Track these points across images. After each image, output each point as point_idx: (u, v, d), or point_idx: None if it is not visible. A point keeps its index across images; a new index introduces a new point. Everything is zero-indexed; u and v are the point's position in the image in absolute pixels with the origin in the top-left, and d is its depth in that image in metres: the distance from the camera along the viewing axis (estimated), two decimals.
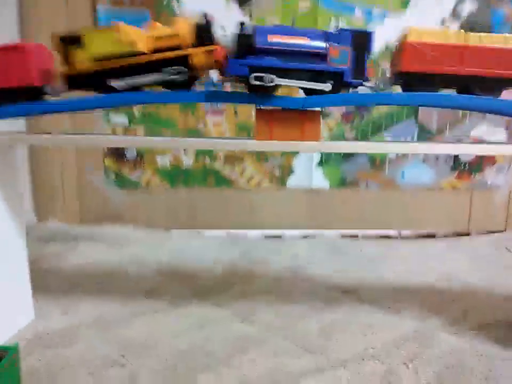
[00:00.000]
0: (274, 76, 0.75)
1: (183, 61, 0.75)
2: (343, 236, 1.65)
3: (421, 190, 1.69)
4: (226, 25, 1.49)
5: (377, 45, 1.55)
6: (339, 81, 0.77)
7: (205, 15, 0.77)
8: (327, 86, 0.76)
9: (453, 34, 0.80)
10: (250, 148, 0.82)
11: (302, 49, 0.75)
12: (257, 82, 0.74)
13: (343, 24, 1.53)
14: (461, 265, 1.36)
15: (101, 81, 0.75)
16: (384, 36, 1.54)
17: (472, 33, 0.80)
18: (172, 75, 0.75)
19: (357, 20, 1.54)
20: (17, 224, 0.90)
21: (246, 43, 0.74)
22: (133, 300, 1.07)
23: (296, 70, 0.75)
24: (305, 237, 1.63)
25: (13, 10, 1.45)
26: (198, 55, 0.75)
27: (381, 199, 1.68)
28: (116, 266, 1.30)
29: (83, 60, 0.74)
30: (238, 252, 1.45)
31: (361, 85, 0.80)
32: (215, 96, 0.81)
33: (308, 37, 0.76)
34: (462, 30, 0.80)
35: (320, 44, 0.75)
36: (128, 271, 1.26)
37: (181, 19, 0.77)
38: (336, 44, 0.76)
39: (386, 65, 1.57)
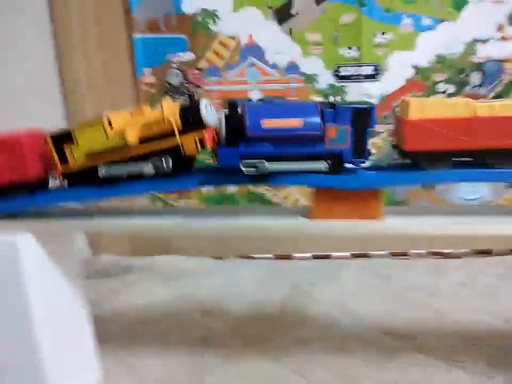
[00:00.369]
0: (267, 163, 0.70)
1: (174, 149, 0.73)
2: (393, 255, 1.61)
3: (474, 207, 1.60)
4: (266, 44, 1.47)
5: (428, 56, 1.45)
6: (338, 161, 0.72)
7: (190, 96, 0.75)
8: (322, 166, 0.72)
9: (460, 104, 0.70)
10: (308, 232, 0.78)
11: (297, 133, 0.70)
12: (250, 171, 0.71)
13: (389, 37, 1.43)
14: None
15: (95, 175, 0.76)
16: (435, 45, 1.44)
17: (482, 103, 0.70)
18: (160, 165, 0.74)
19: (405, 30, 1.43)
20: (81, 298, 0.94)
21: (236, 130, 0.70)
22: (194, 352, 1.09)
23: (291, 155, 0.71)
24: (355, 255, 1.60)
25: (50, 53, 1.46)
26: (187, 143, 0.72)
27: None
28: (171, 305, 1.31)
29: (77, 157, 0.75)
30: (287, 282, 1.43)
31: (364, 163, 0.74)
32: (209, 182, 0.77)
33: (303, 118, 0.70)
34: (469, 99, 0.71)
35: (316, 126, 0.70)
36: (184, 312, 1.28)
37: (168, 102, 0.74)
38: (334, 124, 0.70)
39: (437, 77, 1.47)
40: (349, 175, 0.74)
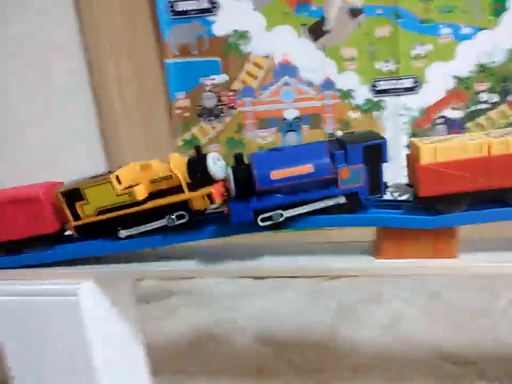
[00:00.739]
0: (282, 212, 0.68)
1: (182, 205, 0.72)
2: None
3: None
4: (300, 62, 1.45)
5: (468, 65, 1.40)
6: (355, 199, 0.69)
7: (197, 148, 0.73)
8: (340, 199, 0.69)
9: (473, 145, 0.65)
10: (378, 273, 0.75)
11: (308, 179, 0.67)
12: (267, 223, 0.69)
13: (427, 48, 1.39)
14: None
15: (107, 229, 0.77)
16: (476, 54, 1.39)
17: (496, 139, 0.65)
18: (175, 221, 0.73)
19: (443, 40, 1.39)
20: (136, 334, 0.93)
21: (246, 184, 0.68)
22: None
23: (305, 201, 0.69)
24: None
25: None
26: (196, 199, 0.71)
27: None
28: (217, 331, 1.29)
29: (88, 212, 0.76)
30: (333, 303, 1.39)
31: (381, 197, 0.71)
32: (221, 233, 0.75)
33: (312, 162, 0.67)
34: (484, 136, 0.67)
35: (327, 169, 0.67)
36: (231, 339, 1.25)
37: (175, 156, 0.74)
38: (345, 164, 0.67)
39: (478, 87, 1.42)
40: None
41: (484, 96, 1.42)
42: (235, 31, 1.42)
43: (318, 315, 1.35)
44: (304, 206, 0.69)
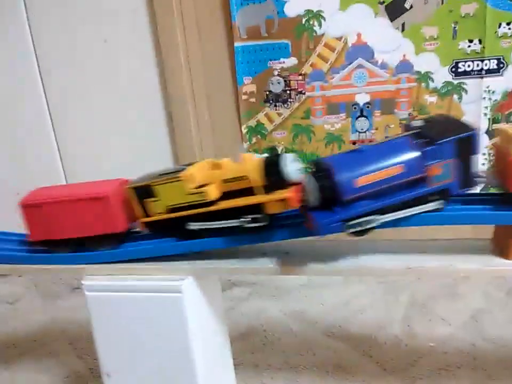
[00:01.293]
0: (373, 217, 0.63)
1: (256, 208, 0.69)
2: None
3: None
4: (375, 43, 1.36)
5: None
6: (447, 194, 0.64)
7: (273, 149, 0.69)
8: (436, 205, 0.64)
9: None
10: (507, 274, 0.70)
11: (399, 181, 0.62)
12: (357, 229, 0.64)
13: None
14: None
15: (177, 227, 0.76)
16: None
17: None
18: (250, 223, 0.70)
19: None
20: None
21: (328, 194, 0.63)
22: (327, 378, 1.04)
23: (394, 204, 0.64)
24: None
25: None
26: (271, 203, 0.68)
27: None
28: (288, 329, 1.25)
29: (158, 210, 0.76)
30: (405, 297, 1.34)
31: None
32: (301, 233, 0.71)
33: (402, 163, 0.61)
34: None
35: (417, 168, 0.62)
36: (304, 332, 1.22)
37: (248, 156, 0.71)
38: (436, 160, 0.61)
39: None
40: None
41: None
42: (307, 11, 1.34)
43: (390, 310, 1.29)
44: (402, 211, 0.64)
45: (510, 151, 0.62)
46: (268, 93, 1.44)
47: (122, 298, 0.77)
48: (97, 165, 1.59)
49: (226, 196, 0.72)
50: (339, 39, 1.36)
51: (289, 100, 1.43)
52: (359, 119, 1.43)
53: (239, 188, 0.70)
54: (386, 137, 1.24)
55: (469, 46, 1.31)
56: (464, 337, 1.15)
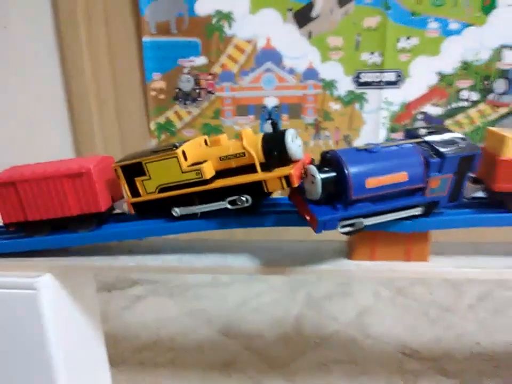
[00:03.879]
0: (366, 219, 0.64)
1: (255, 185, 0.65)
2: None
3: None
4: (284, 48, 1.39)
5: (453, 62, 1.38)
6: (432, 207, 0.67)
7: (274, 124, 0.66)
8: (419, 212, 0.66)
9: None
10: (351, 275, 0.74)
11: (401, 188, 0.63)
12: (350, 229, 0.65)
13: (413, 42, 1.36)
14: None
15: (166, 208, 0.71)
16: (461, 51, 1.37)
17: None
18: (239, 204, 0.67)
19: (430, 34, 1.36)
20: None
21: (335, 191, 0.62)
22: (211, 379, 1.05)
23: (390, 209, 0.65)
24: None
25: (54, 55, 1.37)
26: (271, 180, 0.64)
27: None
28: (184, 322, 1.28)
29: (149, 189, 0.70)
30: (302, 295, 1.40)
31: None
32: (287, 221, 0.71)
33: (408, 171, 0.63)
34: None
35: (420, 178, 0.63)
36: (197, 331, 1.24)
37: (248, 132, 0.66)
38: (438, 174, 0.63)
39: (460, 84, 1.40)
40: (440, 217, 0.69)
41: (464, 94, 1.42)
42: (218, 11, 1.35)
43: (287, 308, 1.35)
44: (387, 215, 0.65)
45: (498, 152, 0.66)
46: (177, 90, 1.43)
47: None
48: None
49: (222, 174, 0.67)
50: (249, 41, 1.38)
51: (198, 98, 1.43)
52: (268, 121, 1.46)
53: (237, 167, 0.66)
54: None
55: (370, 58, 1.39)
56: (348, 334, 1.22)
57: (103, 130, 1.45)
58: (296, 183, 0.63)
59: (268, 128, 1.45)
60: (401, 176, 0.62)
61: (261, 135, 0.65)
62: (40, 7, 1.33)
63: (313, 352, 1.15)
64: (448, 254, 0.74)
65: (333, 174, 0.62)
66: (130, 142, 1.45)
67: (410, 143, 0.65)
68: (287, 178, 0.63)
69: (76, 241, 0.74)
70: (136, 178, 0.70)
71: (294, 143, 0.64)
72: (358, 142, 1.47)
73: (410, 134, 0.69)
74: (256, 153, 0.64)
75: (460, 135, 0.66)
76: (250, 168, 0.65)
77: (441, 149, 0.63)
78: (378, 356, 1.13)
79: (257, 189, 0.65)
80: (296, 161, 0.65)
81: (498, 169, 0.66)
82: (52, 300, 0.74)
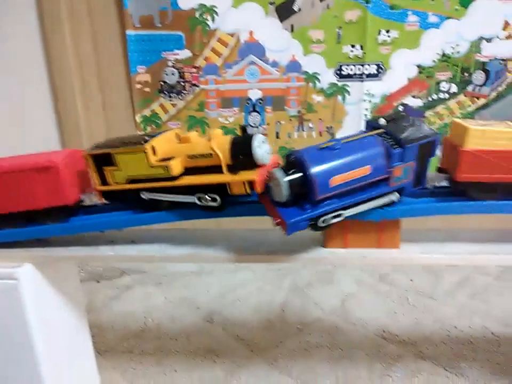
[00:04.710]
0: (337, 213, 0.66)
1: (220, 186, 0.67)
2: None
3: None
4: (266, 41, 1.41)
5: (432, 54, 1.41)
6: (400, 193, 0.70)
7: (243, 128, 0.68)
8: (394, 198, 0.69)
9: None
10: (324, 261, 0.77)
11: (365, 181, 0.66)
12: (321, 225, 0.67)
13: (393, 35, 1.38)
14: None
15: (134, 198, 0.73)
16: (440, 44, 1.40)
17: None
18: (205, 201, 0.69)
19: (410, 28, 1.39)
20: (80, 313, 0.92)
21: (300, 192, 0.63)
22: (196, 365, 1.09)
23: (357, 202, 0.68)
24: None
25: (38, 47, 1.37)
26: (235, 183, 0.66)
27: None
28: (170, 311, 1.31)
29: (118, 180, 0.72)
30: (287, 283, 1.44)
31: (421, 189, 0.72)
32: (255, 210, 0.72)
33: (371, 164, 0.65)
34: None
35: (384, 169, 0.65)
36: (184, 318, 1.27)
37: (218, 133, 0.68)
38: (400, 162, 0.66)
39: (440, 77, 1.44)
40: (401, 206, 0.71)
41: (444, 86, 1.45)
42: (201, 5, 1.36)
43: (271, 295, 1.39)
44: (362, 206, 0.67)
45: (461, 143, 0.68)
46: (162, 83, 1.45)
47: None
48: None
49: (190, 171, 0.68)
50: (232, 35, 1.40)
51: (183, 91, 1.45)
52: (252, 113, 1.48)
53: (204, 166, 0.67)
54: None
55: (352, 51, 1.41)
56: (330, 320, 1.26)
57: (89, 124, 1.46)
58: (259, 189, 0.65)
59: (253, 120, 1.50)
60: (364, 170, 0.64)
61: (230, 137, 0.67)
62: (24, 1, 1.33)
63: (296, 337, 1.18)
64: (419, 241, 0.77)
65: (298, 175, 0.63)
66: (116, 135, 1.44)
67: (372, 135, 0.67)
68: (251, 183, 0.64)
69: (42, 233, 0.76)
70: (105, 168, 0.71)
71: (261, 148, 0.64)
72: (341, 133, 1.50)
73: (371, 124, 0.70)
74: (223, 155, 0.65)
75: (418, 121, 0.68)
76: (217, 169, 0.66)
77: (401, 137, 0.65)
78: (360, 340, 1.17)
79: (222, 190, 0.67)
80: (263, 166, 0.66)
81: (461, 160, 0.68)
82: (33, 289, 0.75)
